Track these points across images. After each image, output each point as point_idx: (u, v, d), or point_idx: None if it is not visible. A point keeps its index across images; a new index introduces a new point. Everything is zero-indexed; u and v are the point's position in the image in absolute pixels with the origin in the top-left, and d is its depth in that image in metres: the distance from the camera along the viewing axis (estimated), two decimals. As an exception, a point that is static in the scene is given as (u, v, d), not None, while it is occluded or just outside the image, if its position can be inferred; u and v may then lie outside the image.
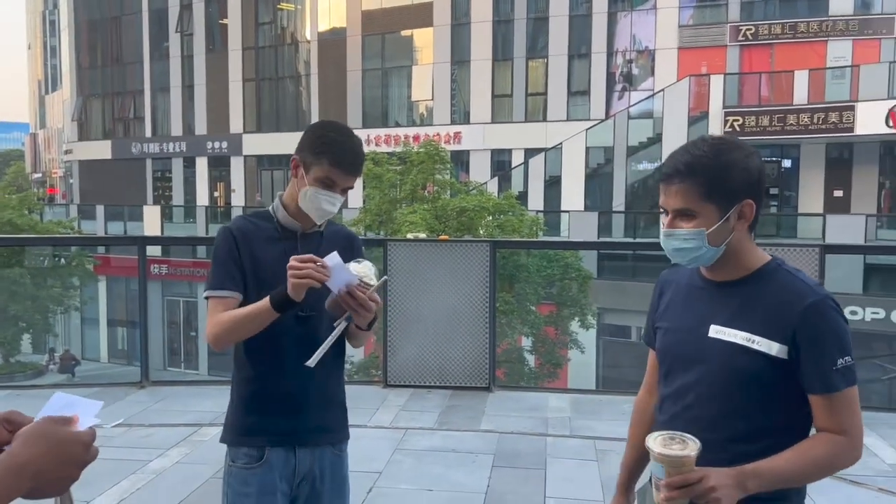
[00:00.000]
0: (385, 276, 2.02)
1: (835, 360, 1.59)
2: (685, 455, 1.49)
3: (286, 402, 2.16)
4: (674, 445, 1.51)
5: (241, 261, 2.13)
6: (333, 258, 1.93)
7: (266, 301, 1.99)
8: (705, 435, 1.57)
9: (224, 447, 2.25)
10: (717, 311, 1.68)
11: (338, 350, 2.22)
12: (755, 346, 1.61)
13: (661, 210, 1.71)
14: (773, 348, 1.60)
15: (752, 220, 1.65)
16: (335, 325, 2.01)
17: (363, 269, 2.01)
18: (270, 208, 2.23)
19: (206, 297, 2.14)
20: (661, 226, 1.69)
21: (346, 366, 6.65)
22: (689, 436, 1.54)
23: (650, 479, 1.74)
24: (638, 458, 1.97)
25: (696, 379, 1.70)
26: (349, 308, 1.97)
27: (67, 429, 1.02)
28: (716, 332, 1.66)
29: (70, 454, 1.00)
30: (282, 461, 2.17)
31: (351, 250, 2.24)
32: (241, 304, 2.13)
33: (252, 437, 2.16)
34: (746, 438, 1.63)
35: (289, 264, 1.93)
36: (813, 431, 1.68)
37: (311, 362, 1.96)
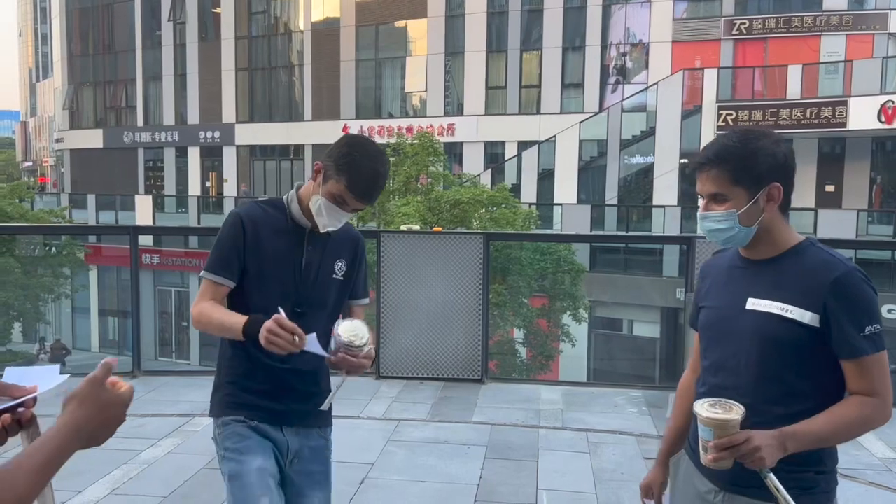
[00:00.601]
0: (368, 337, 2.09)
1: (863, 326, 1.71)
2: (731, 419, 1.63)
3: (274, 389, 2.20)
4: (719, 410, 1.65)
5: (245, 249, 2.15)
6: (312, 343, 1.97)
7: (240, 323, 2.04)
8: (743, 399, 1.72)
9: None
10: (753, 286, 1.82)
11: (326, 341, 2.22)
12: (789, 315, 1.74)
13: (699, 195, 1.86)
14: (805, 317, 1.73)
15: (780, 201, 1.79)
16: (338, 378, 2.11)
17: (350, 332, 2.03)
18: (285, 198, 2.24)
19: (201, 276, 2.21)
20: (699, 209, 1.85)
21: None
22: (733, 402, 1.68)
23: (683, 449, 1.98)
24: (678, 432, 2.08)
25: (734, 349, 1.82)
26: (343, 369, 2.06)
27: (112, 391, 1.15)
28: (752, 304, 1.80)
29: (114, 415, 1.15)
30: (270, 432, 2.21)
31: (354, 253, 2.30)
32: (234, 291, 2.18)
33: (240, 410, 2.20)
34: (782, 401, 1.76)
35: (268, 325, 1.91)
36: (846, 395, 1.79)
37: (325, 406, 2.10)
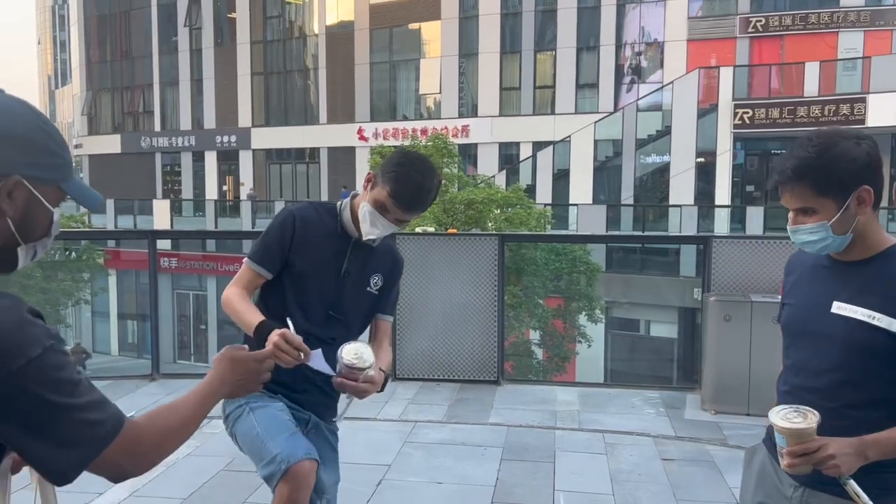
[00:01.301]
0: (371, 362, 2.07)
1: None
2: (803, 427, 1.63)
3: (293, 381, 2.26)
4: (795, 418, 1.65)
5: (291, 246, 2.22)
6: (317, 359, 2.00)
7: (254, 323, 2.11)
8: (824, 403, 1.71)
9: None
10: (840, 289, 1.77)
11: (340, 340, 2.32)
12: (875, 322, 1.70)
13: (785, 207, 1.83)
14: (893, 325, 1.68)
15: (872, 202, 1.73)
16: (347, 397, 2.14)
17: (353, 354, 2.04)
18: (339, 205, 2.31)
19: (244, 261, 2.31)
20: (789, 222, 1.80)
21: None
22: (809, 409, 1.67)
23: (762, 440, 1.97)
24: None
25: (817, 352, 1.79)
26: (346, 392, 2.08)
27: (242, 352, 1.46)
28: (838, 308, 1.76)
29: (246, 368, 1.44)
30: (291, 407, 2.30)
31: (392, 272, 2.40)
32: (273, 283, 2.27)
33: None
34: (863, 407, 1.73)
35: (273, 338, 1.94)
36: None
37: (338, 420, 2.17)
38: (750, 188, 24.85)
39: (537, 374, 14.77)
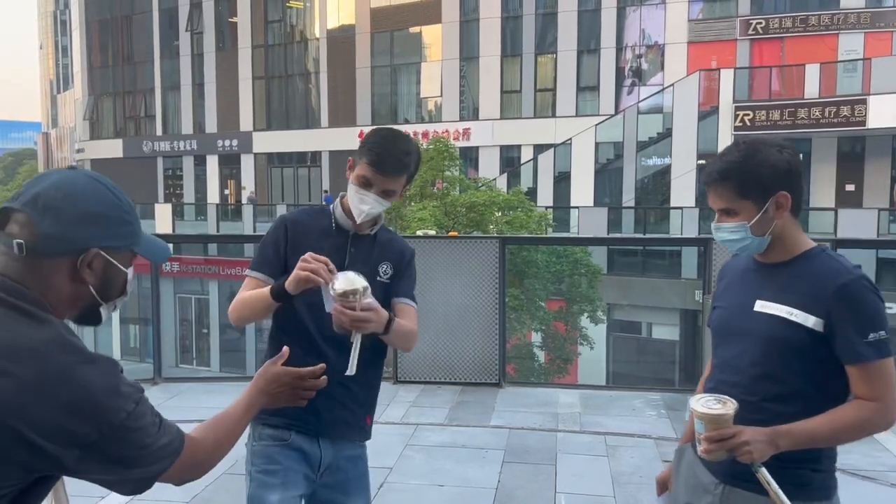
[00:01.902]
0: (364, 284, 1.97)
1: (866, 333, 1.75)
2: (721, 413, 1.72)
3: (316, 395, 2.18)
4: (715, 405, 1.74)
5: (286, 250, 2.20)
6: (340, 280, 1.94)
7: (267, 290, 2.09)
8: (744, 397, 1.80)
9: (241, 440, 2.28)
10: (763, 289, 1.88)
11: (378, 358, 2.28)
12: (793, 318, 1.79)
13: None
14: (809, 321, 1.78)
15: (790, 207, 1.84)
16: (351, 339, 2.00)
17: (341, 282, 1.94)
18: (332, 204, 2.29)
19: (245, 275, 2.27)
20: (714, 221, 1.92)
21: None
22: (728, 398, 1.76)
23: (689, 442, 2.03)
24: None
25: (741, 348, 1.88)
26: (344, 325, 1.96)
27: (274, 368, 1.59)
28: (761, 306, 1.86)
29: (280, 382, 1.59)
30: (305, 445, 2.21)
31: (401, 258, 2.29)
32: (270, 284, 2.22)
33: (275, 417, 2.19)
34: (782, 401, 1.81)
35: (300, 266, 1.96)
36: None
37: (351, 371, 1.97)
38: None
39: (539, 377, 14.78)
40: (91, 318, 1.35)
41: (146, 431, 1.24)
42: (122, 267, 1.32)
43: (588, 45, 27.08)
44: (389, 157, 2.14)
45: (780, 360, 1.81)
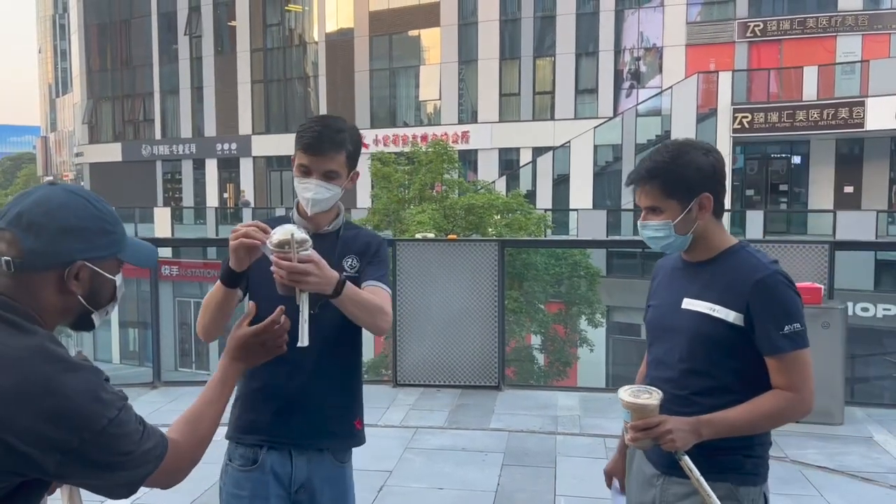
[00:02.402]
0: (303, 236, 1.82)
1: (782, 325, 1.83)
2: (646, 403, 1.80)
3: (285, 401, 2.09)
4: (641, 395, 1.82)
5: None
6: (277, 232, 1.83)
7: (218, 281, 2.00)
8: (675, 391, 1.89)
9: None
10: (689, 286, 1.96)
11: (349, 350, 2.18)
12: (715, 314, 1.88)
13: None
14: (730, 316, 1.86)
15: (712, 209, 1.92)
16: (297, 301, 1.82)
17: (280, 234, 1.80)
18: (291, 211, 2.23)
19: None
20: (640, 219, 1.98)
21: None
22: (654, 388, 1.85)
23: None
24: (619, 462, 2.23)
25: (670, 345, 1.97)
26: (285, 282, 1.80)
27: (239, 332, 1.58)
28: (687, 303, 1.94)
29: (247, 342, 1.57)
30: (277, 465, 2.11)
31: (367, 249, 2.19)
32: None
33: (247, 435, 2.13)
34: (710, 394, 1.88)
35: (233, 237, 1.87)
36: None
37: (302, 342, 1.79)
38: (750, 192, 24.87)
39: (538, 380, 14.77)
40: (84, 324, 1.40)
41: (129, 438, 1.27)
42: (108, 275, 1.36)
43: (586, 47, 27.13)
44: (319, 137, 2.07)
45: (705, 355, 1.88)
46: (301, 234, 1.81)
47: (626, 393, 1.84)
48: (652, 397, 1.81)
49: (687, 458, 1.79)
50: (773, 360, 1.84)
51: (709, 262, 1.94)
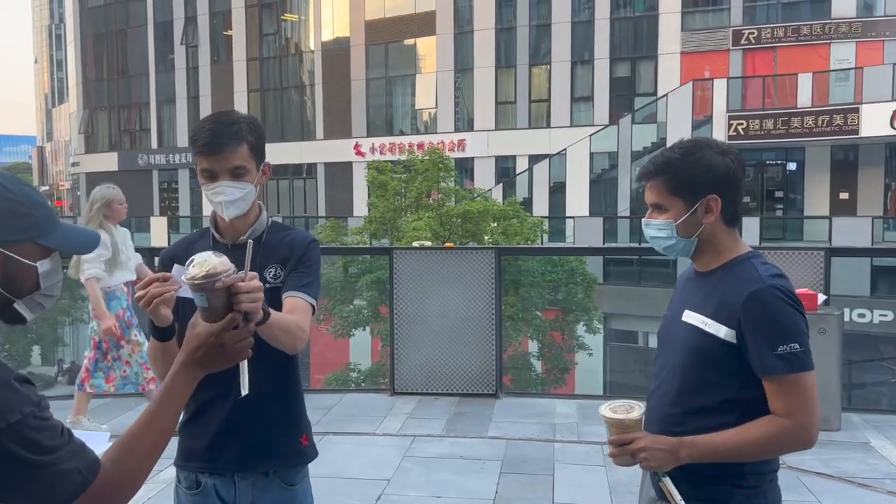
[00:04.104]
0: (215, 259, 1.44)
1: (775, 346, 1.66)
2: (622, 418, 1.71)
3: (221, 426, 1.97)
4: (620, 410, 1.74)
5: None
6: (177, 270, 1.66)
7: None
8: (667, 409, 1.79)
9: None
10: (692, 298, 1.84)
11: (285, 366, 2.02)
12: (707, 329, 1.74)
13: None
14: (721, 331, 1.72)
15: (720, 213, 1.77)
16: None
17: (197, 268, 1.43)
18: (209, 221, 2.10)
19: None
20: (644, 217, 1.87)
21: (353, 374, 6.58)
22: (637, 403, 1.75)
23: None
24: None
25: (667, 358, 1.87)
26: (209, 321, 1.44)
27: (196, 331, 1.37)
28: (686, 316, 1.82)
29: (205, 343, 1.36)
30: (221, 489, 2.01)
31: (289, 255, 2.01)
32: (180, 327, 1.91)
33: (188, 462, 2.04)
34: (701, 414, 1.75)
35: (140, 293, 1.68)
36: None
37: (244, 389, 1.60)
38: (745, 199, 24.92)
39: (536, 387, 14.74)
40: (11, 315, 1.28)
41: (39, 449, 1.14)
42: (26, 261, 1.25)
43: (582, 55, 27.23)
44: (214, 134, 1.92)
45: (696, 372, 1.75)
46: (216, 259, 1.44)
47: (605, 408, 1.76)
48: (632, 412, 1.71)
49: (668, 480, 1.69)
50: (769, 382, 1.68)
51: (713, 271, 1.80)
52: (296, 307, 1.92)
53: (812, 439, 1.71)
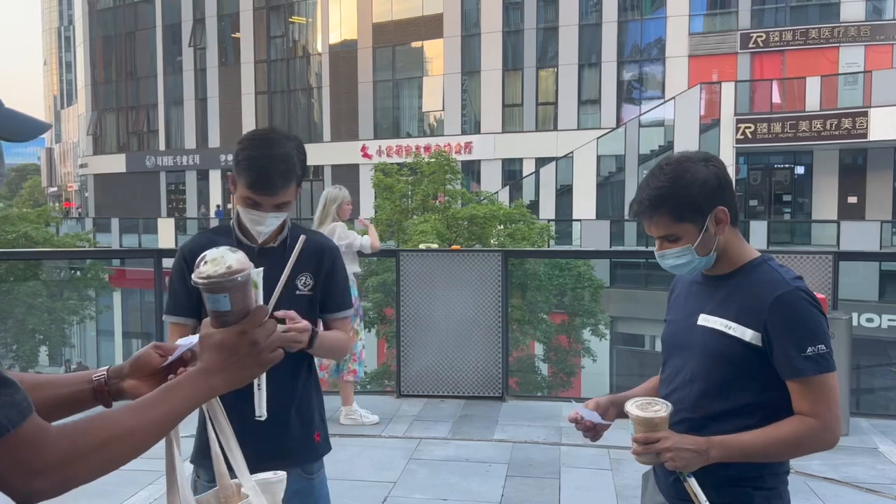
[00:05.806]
0: (231, 256, 1.17)
1: (803, 347, 1.68)
2: (650, 416, 1.69)
3: (242, 426, 1.87)
4: (649, 407, 1.72)
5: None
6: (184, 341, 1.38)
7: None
8: (687, 414, 1.77)
9: None
10: (706, 302, 1.83)
11: (304, 372, 2.06)
12: (731, 332, 1.74)
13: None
14: (746, 334, 1.72)
15: (729, 220, 1.79)
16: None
17: (214, 262, 1.19)
18: (232, 221, 2.09)
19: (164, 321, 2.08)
20: (655, 248, 1.83)
21: (360, 376, 6.50)
22: (665, 402, 1.74)
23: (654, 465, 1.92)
24: (634, 394, 1.99)
25: (683, 363, 1.84)
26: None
27: (217, 335, 1.11)
28: (703, 320, 1.81)
29: (243, 355, 1.10)
30: None
31: (319, 265, 2.04)
32: (197, 326, 1.96)
33: (208, 459, 1.94)
34: (723, 418, 1.75)
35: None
36: None
37: (260, 412, 1.60)
38: (753, 202, 24.87)
39: (542, 390, 14.72)
40: None
41: None
42: None
43: (589, 58, 27.22)
44: (268, 174, 1.88)
45: (719, 376, 1.76)
46: (233, 255, 1.20)
47: (632, 405, 1.74)
48: (660, 411, 1.70)
49: (693, 480, 1.68)
50: (794, 384, 1.70)
51: (728, 276, 1.81)
52: (343, 326, 2.04)
53: (836, 440, 1.74)
